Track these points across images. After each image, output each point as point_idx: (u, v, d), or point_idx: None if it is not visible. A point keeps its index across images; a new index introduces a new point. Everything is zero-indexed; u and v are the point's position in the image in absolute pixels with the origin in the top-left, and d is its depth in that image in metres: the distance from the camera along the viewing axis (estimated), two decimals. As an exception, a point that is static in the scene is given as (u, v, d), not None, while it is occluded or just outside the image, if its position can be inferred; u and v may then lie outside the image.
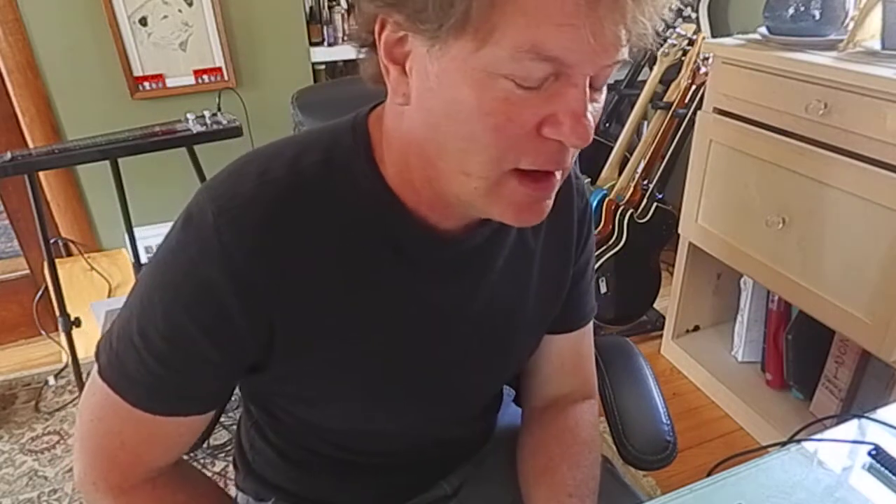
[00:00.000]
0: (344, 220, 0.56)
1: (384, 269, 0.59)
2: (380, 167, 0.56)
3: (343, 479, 0.76)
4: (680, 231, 1.82)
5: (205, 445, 1.06)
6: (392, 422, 0.69)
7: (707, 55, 1.70)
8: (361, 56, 0.55)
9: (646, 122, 2.14)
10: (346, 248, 0.57)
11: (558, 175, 0.51)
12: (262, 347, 0.57)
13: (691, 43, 1.93)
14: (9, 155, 1.40)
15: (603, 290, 2.00)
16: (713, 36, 2.05)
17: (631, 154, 2.06)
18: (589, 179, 2.13)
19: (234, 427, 0.87)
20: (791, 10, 1.40)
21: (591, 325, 0.80)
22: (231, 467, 1.17)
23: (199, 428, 0.63)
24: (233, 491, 0.85)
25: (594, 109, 0.49)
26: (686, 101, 1.90)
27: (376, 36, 0.49)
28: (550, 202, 0.53)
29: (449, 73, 0.45)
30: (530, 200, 0.51)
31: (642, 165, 1.98)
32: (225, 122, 1.57)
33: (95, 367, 0.59)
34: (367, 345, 0.61)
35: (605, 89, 0.50)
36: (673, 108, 1.92)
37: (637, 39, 0.45)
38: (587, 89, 0.46)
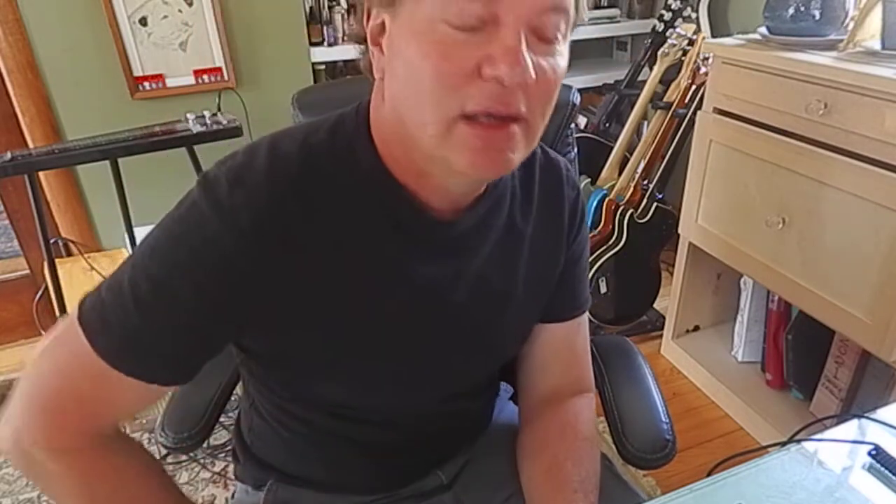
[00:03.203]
0: (348, 197, 0.60)
1: (384, 244, 0.62)
2: (377, 146, 0.60)
3: (337, 457, 0.77)
4: (680, 231, 1.82)
5: (205, 445, 1.05)
6: (376, 396, 0.70)
7: (707, 55, 1.70)
8: (360, 53, 0.61)
9: (646, 122, 2.14)
10: (349, 224, 0.60)
11: (516, 128, 0.53)
12: (253, 313, 0.59)
13: (691, 43, 1.94)
14: (9, 155, 1.40)
15: (603, 290, 1.99)
16: (713, 36, 2.05)
17: (631, 154, 2.06)
18: (589, 179, 2.13)
19: (233, 427, 0.88)
20: (791, 10, 1.40)
21: (585, 320, 0.81)
22: (230, 467, 1.17)
23: (151, 400, 0.63)
24: (231, 489, 0.85)
25: (549, 65, 0.52)
26: (686, 101, 1.90)
27: (364, 26, 0.56)
28: (512, 156, 0.54)
29: (403, 34, 0.52)
30: (483, 145, 0.52)
31: (642, 165, 1.98)
32: (225, 122, 1.58)
33: (74, 313, 0.59)
34: (363, 318, 0.63)
35: (559, 45, 0.53)
36: (673, 108, 1.92)
37: None
38: (522, 32, 0.49)
